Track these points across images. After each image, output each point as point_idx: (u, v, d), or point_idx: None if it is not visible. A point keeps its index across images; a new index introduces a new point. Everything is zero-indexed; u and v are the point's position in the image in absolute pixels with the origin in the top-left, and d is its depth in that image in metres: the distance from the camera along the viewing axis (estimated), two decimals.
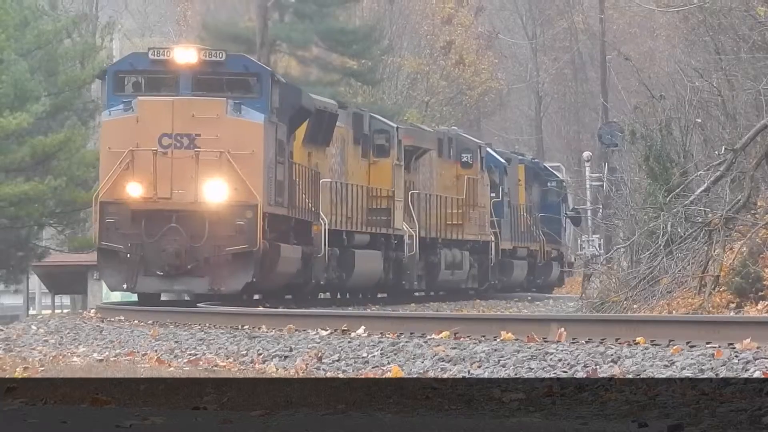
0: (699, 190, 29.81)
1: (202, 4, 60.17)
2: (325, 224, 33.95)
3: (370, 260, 37.03)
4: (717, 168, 29.75)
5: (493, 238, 47.31)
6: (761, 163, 28.82)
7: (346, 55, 62.25)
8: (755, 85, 30.75)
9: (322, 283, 34.47)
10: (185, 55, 31.64)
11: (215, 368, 16.53)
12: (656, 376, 12.46)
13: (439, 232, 42.33)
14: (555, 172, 59.83)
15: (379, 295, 37.60)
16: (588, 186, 59.86)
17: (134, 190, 30.23)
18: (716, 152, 31.16)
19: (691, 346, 14.86)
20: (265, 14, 52.94)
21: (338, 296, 37.75)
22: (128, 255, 30.75)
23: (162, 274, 30.75)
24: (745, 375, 11.76)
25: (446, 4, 71.53)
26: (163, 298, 31.16)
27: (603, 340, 16.70)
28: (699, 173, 31.65)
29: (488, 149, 49.68)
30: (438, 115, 60.26)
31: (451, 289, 41.73)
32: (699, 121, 35.11)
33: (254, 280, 30.50)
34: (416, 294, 39.33)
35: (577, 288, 46.30)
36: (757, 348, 13.89)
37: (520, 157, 56.57)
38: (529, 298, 47.29)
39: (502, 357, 15.10)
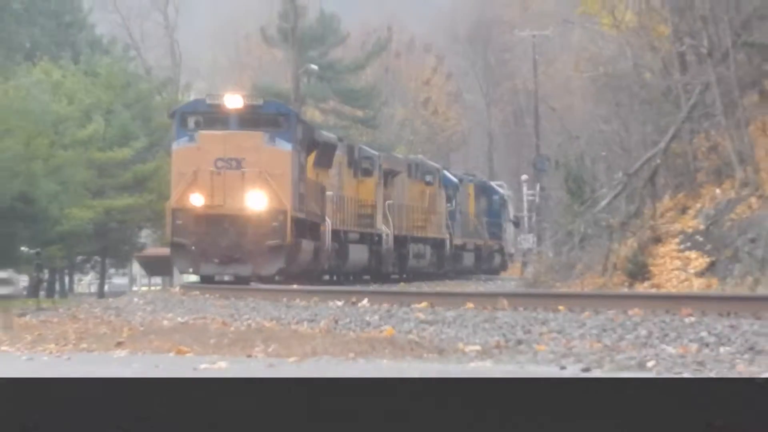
0: (603, 203, 29.68)
1: (253, 72, 59.92)
2: (329, 225, 33.26)
3: (359, 252, 36.71)
4: (616, 187, 30.07)
5: (448, 236, 46.60)
6: (647, 184, 28.95)
7: (354, 107, 62.13)
8: (644, 129, 31.62)
9: (326, 268, 33.83)
10: (233, 101, 30.75)
11: (262, 328, 15.71)
12: (572, 333, 12.15)
13: (408, 232, 41.77)
14: (498, 189, 59.31)
15: (365, 277, 37.21)
16: (525, 199, 60.47)
17: (197, 200, 29.31)
18: (616, 176, 31.74)
19: (597, 313, 14.79)
20: (298, 79, 52.53)
21: (335, 278, 37.13)
22: (193, 247, 29.55)
23: (217, 261, 29.54)
24: (635, 333, 11.62)
25: (425, 71, 71.16)
26: (217, 279, 30.40)
27: (535, 308, 16.21)
28: (603, 190, 31.53)
29: (445, 172, 49.64)
30: (420, 150, 59.74)
31: (417, 273, 41.43)
32: (604, 153, 36.31)
33: (284, 266, 29.55)
34: (392, 277, 38.92)
35: (518, 272, 45.86)
36: (643, 313, 14.18)
37: (470, 177, 56.17)
38: (484, 278, 46.97)
39: (464, 320, 14.60)
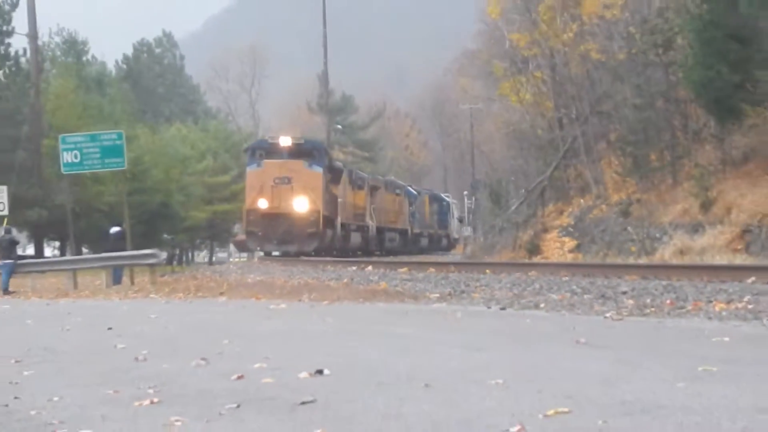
0: (513, 208, 29.56)
1: (301, 129, 59.27)
2: (339, 220, 31.46)
3: (356, 237, 35.04)
4: (520, 198, 30.45)
5: (409, 227, 44.76)
6: (539, 196, 28.53)
7: (363, 150, 61.36)
8: (537, 163, 31.22)
9: (337, 247, 31.98)
10: (285, 140, 30.06)
11: (307, 284, 14.98)
12: (494, 287, 11.85)
13: (384, 224, 40.79)
14: (446, 198, 59.14)
15: (358, 253, 36.30)
16: (466, 206, 58.93)
17: (262, 203, 28.28)
18: (520, 191, 32.08)
19: (509, 274, 14.07)
20: (329, 133, 52.08)
21: (337, 255, 36.13)
22: (259, 233, 28.58)
23: (275, 243, 28.95)
24: (532, 287, 11.27)
25: (405, 129, 70.82)
26: (274, 254, 30.16)
27: (471, 271, 15.71)
28: (512, 200, 31.76)
29: (408, 187, 49.72)
30: (399, 175, 59.66)
31: (390, 251, 39.93)
32: (513, 178, 37.61)
33: (318, 246, 28.93)
34: (375, 253, 37.97)
35: (461, 250, 45.14)
36: (537, 275, 13.40)
37: (426, 190, 57.13)
38: (441, 254, 45.91)
39: (429, 279, 14.66)
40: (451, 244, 55.05)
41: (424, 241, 49.60)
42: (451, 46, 40.13)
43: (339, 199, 31.87)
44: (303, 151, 29.46)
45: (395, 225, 42.39)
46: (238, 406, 3.26)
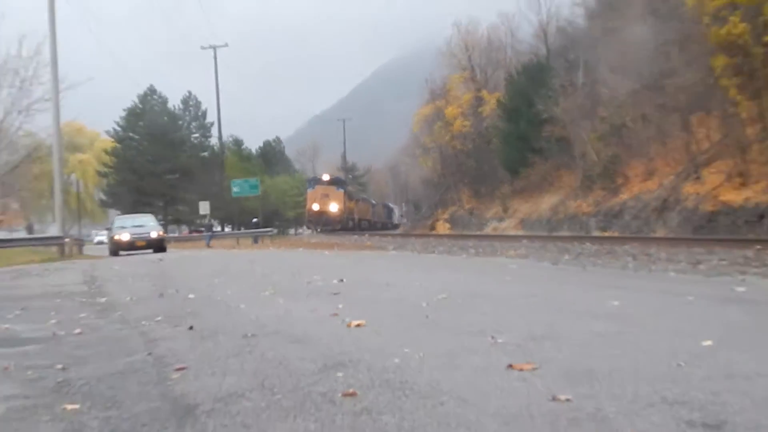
0: (423, 211, 45.12)
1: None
2: (346, 215, 43.82)
3: (353, 223, 46.11)
4: (430, 207, 44.21)
5: (370, 218, 54.64)
6: (436, 205, 42.09)
7: (362, 185, 75.60)
8: (433, 193, 45.99)
9: (348, 227, 42.60)
10: (325, 176, 43.79)
11: (338, 243, 19.56)
12: (414, 244, 16.36)
13: (361, 217, 50.37)
14: (391, 205, 68.74)
15: (355, 230, 44.93)
16: (402, 209, 68.33)
17: (315, 206, 41.51)
18: (430, 205, 44.53)
19: (417, 239, 19.39)
20: (346, 175, 63.63)
21: (348, 231, 43.88)
22: (314, 221, 42.17)
23: (321, 225, 41.79)
24: (439, 247, 13.93)
25: (384, 177, 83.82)
26: (320, 231, 42.26)
27: (405, 238, 21.42)
28: (424, 208, 46.60)
29: (372, 200, 59.31)
30: (374, 195, 71.16)
31: (364, 230, 46.51)
32: (423, 199, 49.68)
33: (343, 226, 40.98)
34: (358, 231, 45.42)
35: (402, 230, 50.10)
36: (431, 239, 19.23)
37: (382, 202, 65.22)
38: (389, 231, 50.68)
39: (387, 241, 19.80)
40: (394, 227, 59.16)
41: (380, 226, 56.55)
42: (403, 140, 63.98)
43: (347, 205, 42.41)
44: (333, 182, 41.74)
45: (366, 218, 51.51)
46: (308, 295, 5.17)
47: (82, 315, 5.10)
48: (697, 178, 17.60)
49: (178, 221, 51.81)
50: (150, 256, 15.76)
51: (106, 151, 49.69)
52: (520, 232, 24.02)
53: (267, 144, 71.51)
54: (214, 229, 33.99)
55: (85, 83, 23.35)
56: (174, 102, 51.89)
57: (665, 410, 2.09)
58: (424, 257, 11.26)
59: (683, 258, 9.00)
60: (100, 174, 50.91)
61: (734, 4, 13.73)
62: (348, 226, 42.04)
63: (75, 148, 53.15)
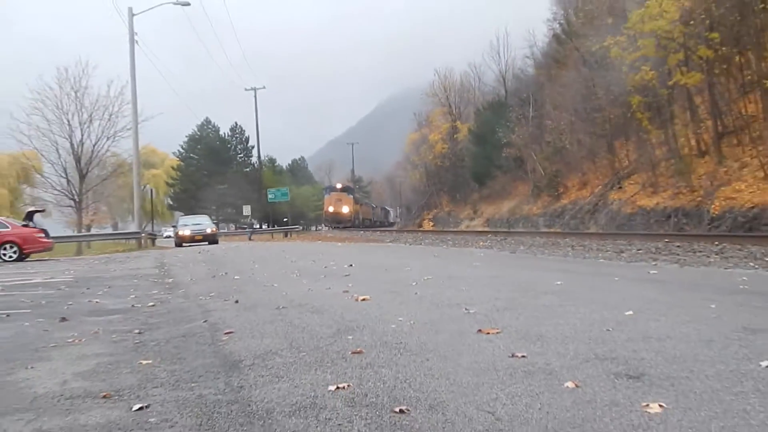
0: (413, 212, 43.12)
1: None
2: (354, 215, 41.02)
3: (358, 222, 43.06)
4: (417, 210, 41.79)
5: (372, 218, 49.11)
6: (421, 209, 40.50)
7: (367, 193, 70.76)
8: (421, 198, 43.37)
9: (356, 225, 39.99)
10: (338, 185, 41.51)
11: (349, 237, 18.48)
12: (407, 237, 15.26)
13: (365, 217, 45.75)
14: (388, 207, 67.46)
15: (360, 227, 41.27)
16: (397, 211, 63.64)
17: (330, 209, 38.73)
18: (417, 208, 43.49)
19: (409, 234, 19.39)
20: (354, 185, 60.41)
21: (356, 228, 39.96)
22: (330, 220, 39.22)
23: (336, 224, 38.61)
24: (426, 240, 13.58)
25: (383, 187, 77.19)
26: (335, 228, 38.73)
27: (399, 233, 20.80)
28: (414, 210, 43.40)
29: (372, 203, 54.01)
30: (374, 200, 69.05)
31: (367, 227, 43.16)
32: (413, 203, 46.30)
33: (354, 225, 38.57)
34: (362, 228, 41.44)
35: (397, 227, 44.69)
36: (420, 234, 17.81)
37: (380, 204, 63.27)
38: (388, 228, 52.37)
39: (386, 235, 19.24)
40: (390, 225, 53.35)
41: (379, 224, 50.79)
42: (397, 158, 63.89)
43: (355, 208, 40.18)
44: (344, 189, 39.51)
45: (369, 218, 47.54)
46: (325, 276, 5.12)
47: (154, 291, 5.12)
48: (620, 187, 17.94)
49: (226, 220, 52.24)
50: (206, 247, 15.68)
51: (172, 168, 50.27)
52: (487, 229, 23.87)
53: (294, 161, 72.42)
54: (254, 227, 33.96)
55: (156, 116, 24.05)
56: (224, 130, 51.08)
57: (598, 365, 2.13)
58: (414, 248, 11.08)
59: (610, 248, 9.00)
60: (168, 185, 51.21)
61: (645, 56, 14.05)
62: (355, 224, 40.63)
63: (149, 165, 52.51)
